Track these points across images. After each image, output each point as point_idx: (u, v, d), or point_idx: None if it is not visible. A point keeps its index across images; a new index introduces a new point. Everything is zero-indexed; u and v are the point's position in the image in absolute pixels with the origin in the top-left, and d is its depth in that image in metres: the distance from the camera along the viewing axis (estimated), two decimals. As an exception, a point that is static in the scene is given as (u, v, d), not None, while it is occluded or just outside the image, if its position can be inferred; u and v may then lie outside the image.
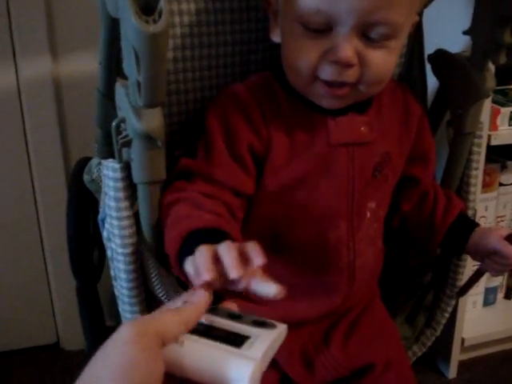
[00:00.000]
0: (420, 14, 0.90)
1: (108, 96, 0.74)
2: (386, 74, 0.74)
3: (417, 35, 0.91)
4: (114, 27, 0.65)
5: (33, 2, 1.13)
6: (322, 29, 0.68)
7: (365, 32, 0.68)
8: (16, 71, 1.18)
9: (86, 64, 1.17)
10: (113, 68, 0.72)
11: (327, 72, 0.70)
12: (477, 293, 1.36)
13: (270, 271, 0.68)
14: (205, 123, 0.75)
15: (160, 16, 0.56)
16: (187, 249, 0.58)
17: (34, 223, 1.28)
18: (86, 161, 0.86)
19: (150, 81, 0.59)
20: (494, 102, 1.16)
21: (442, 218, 0.88)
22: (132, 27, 0.56)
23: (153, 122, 0.63)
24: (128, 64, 0.61)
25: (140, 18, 0.55)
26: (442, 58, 0.88)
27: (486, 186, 1.26)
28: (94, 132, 0.80)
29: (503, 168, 1.29)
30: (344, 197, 0.79)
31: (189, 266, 0.55)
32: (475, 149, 0.90)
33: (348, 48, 0.67)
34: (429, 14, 0.91)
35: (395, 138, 0.83)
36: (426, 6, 0.90)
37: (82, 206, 0.91)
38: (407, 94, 0.86)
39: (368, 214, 0.81)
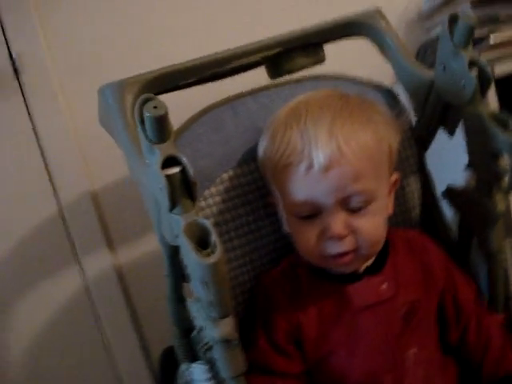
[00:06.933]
0: (422, 158, 1.01)
1: (178, 300, 0.86)
2: (379, 234, 0.83)
3: (425, 179, 1.01)
4: (174, 250, 0.77)
5: (81, 198, 1.24)
6: (312, 214, 0.80)
7: (346, 205, 0.79)
8: (81, 271, 1.27)
9: (143, 250, 1.28)
10: (179, 278, 0.84)
11: (328, 248, 0.81)
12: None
13: None
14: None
15: (215, 247, 0.67)
16: None
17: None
18: (169, 351, 0.95)
19: (220, 299, 0.70)
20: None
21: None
22: (194, 262, 0.66)
23: (227, 328, 0.73)
24: (196, 286, 0.71)
25: (200, 253, 0.67)
26: (453, 193, 0.96)
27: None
28: (167, 319, 0.89)
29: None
30: (379, 355, 0.84)
31: None
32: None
33: (338, 223, 0.79)
34: (432, 154, 1.02)
35: (420, 285, 0.87)
36: (426, 149, 1.02)
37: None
38: (425, 240, 0.93)
39: (412, 361, 0.84)
